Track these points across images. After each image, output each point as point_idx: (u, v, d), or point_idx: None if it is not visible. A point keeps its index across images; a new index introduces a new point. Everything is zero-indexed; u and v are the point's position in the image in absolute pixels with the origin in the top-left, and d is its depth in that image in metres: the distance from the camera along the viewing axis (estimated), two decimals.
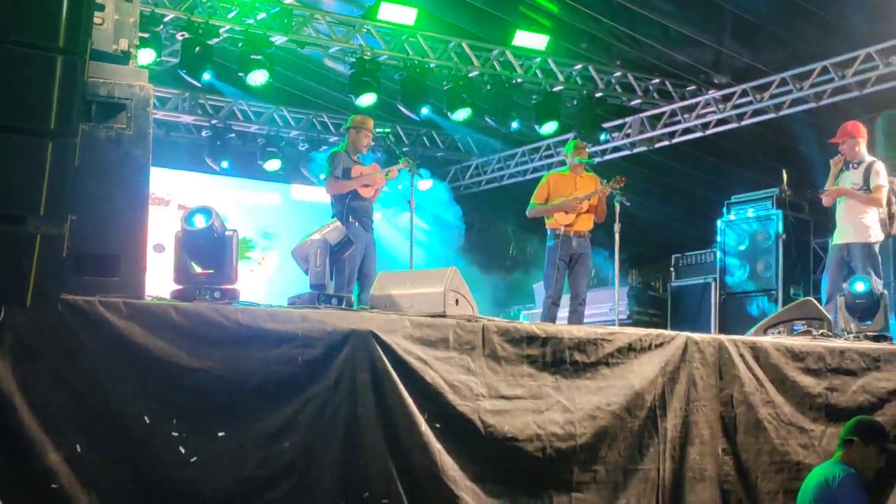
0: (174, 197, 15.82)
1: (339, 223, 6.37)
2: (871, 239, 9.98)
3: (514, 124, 14.81)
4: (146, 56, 11.90)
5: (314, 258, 6.17)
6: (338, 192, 10.38)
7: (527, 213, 11.15)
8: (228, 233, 5.82)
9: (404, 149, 10.49)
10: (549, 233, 10.80)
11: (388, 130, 10.40)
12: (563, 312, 10.94)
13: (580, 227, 10.70)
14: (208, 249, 5.73)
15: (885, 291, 8.98)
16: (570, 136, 15.25)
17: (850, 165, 10.17)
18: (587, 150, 11.60)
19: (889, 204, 10.06)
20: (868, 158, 10.19)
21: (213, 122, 16.14)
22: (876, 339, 8.23)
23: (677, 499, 6.64)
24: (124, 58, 5.51)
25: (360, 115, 11.21)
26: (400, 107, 14.08)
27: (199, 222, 5.73)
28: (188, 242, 5.73)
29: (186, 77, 13.06)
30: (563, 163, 11.93)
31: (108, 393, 4.86)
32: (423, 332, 5.84)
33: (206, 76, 12.96)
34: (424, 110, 14.25)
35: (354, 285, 9.77)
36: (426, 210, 16.07)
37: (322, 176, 10.67)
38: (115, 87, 5.37)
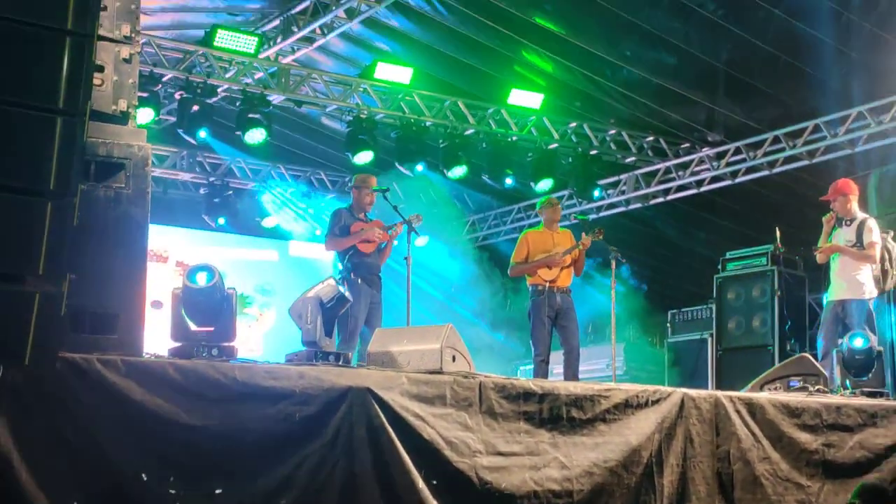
0: (172, 253, 15.88)
1: (332, 280, 6.39)
2: (865, 295, 10.01)
3: (509, 181, 14.90)
4: (145, 115, 12.01)
5: (306, 315, 6.19)
6: (335, 248, 10.40)
7: (508, 272, 11.21)
8: (228, 291, 5.85)
9: (401, 205, 10.47)
10: (531, 290, 10.80)
11: (385, 189, 10.41)
12: (558, 368, 10.93)
13: (562, 282, 10.74)
14: (207, 307, 5.76)
15: (882, 348, 8.98)
16: (566, 192, 15.36)
17: (843, 222, 10.22)
18: (560, 207, 11.74)
19: (882, 260, 10.11)
20: (860, 215, 10.25)
21: (211, 179, 16.23)
22: (872, 395, 8.24)
23: None
24: (123, 118, 5.56)
25: (362, 173, 11.26)
26: (396, 164, 14.19)
27: (202, 280, 5.75)
28: (188, 300, 5.75)
29: (184, 135, 13.17)
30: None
31: (105, 451, 4.85)
32: (420, 389, 5.85)
33: (203, 134, 13.06)
34: (419, 167, 14.36)
35: (357, 342, 9.73)
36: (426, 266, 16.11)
37: (324, 233, 10.67)
38: (114, 147, 5.41)
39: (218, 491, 5.08)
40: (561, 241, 10.89)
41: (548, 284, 10.65)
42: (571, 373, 10.51)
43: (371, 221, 10.43)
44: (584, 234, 10.77)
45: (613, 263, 10.71)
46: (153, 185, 5.68)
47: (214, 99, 13.04)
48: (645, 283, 15.79)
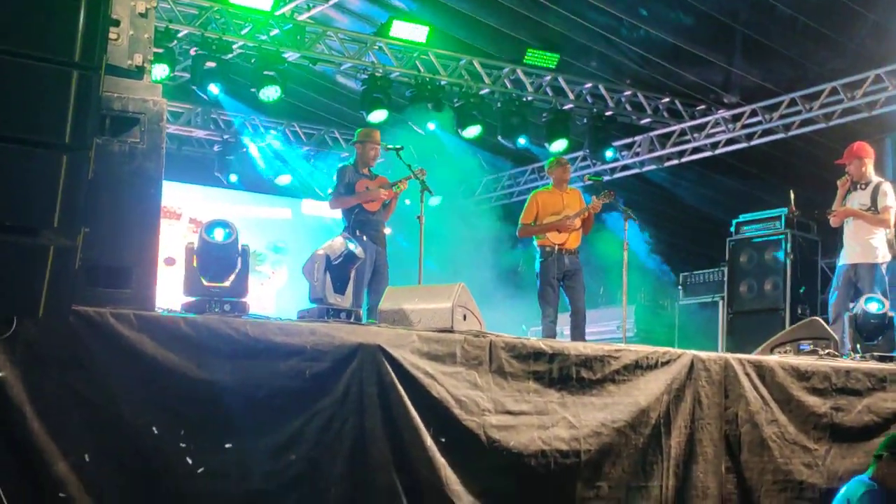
0: (185, 210, 15.92)
1: (341, 238, 6.40)
2: (878, 259, 9.99)
3: (522, 141, 14.86)
4: (160, 71, 11.99)
5: (314, 273, 6.22)
6: (339, 207, 10.42)
7: (517, 232, 11.21)
8: (241, 247, 5.88)
9: (415, 165, 10.44)
10: (539, 251, 10.80)
11: (399, 147, 10.38)
12: (565, 330, 10.96)
13: (571, 244, 10.74)
14: (222, 262, 5.78)
15: (893, 313, 8.96)
16: (580, 153, 15.32)
17: (858, 186, 10.18)
18: (570, 166, 11.71)
19: None
20: (875, 179, 10.21)
21: (225, 136, 16.24)
22: (882, 359, 8.23)
23: None
24: (139, 73, 5.56)
25: (365, 128, 11.25)
26: (409, 123, 14.19)
27: (219, 235, 5.78)
28: (203, 254, 5.78)
29: (198, 92, 13.17)
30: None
31: (117, 404, 4.90)
32: (430, 347, 5.88)
33: (216, 90, 13.04)
34: (431, 126, 14.34)
35: (364, 299, 9.77)
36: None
37: (329, 191, 10.68)
38: (130, 102, 5.42)
39: (228, 445, 5.13)
40: (570, 201, 10.88)
41: (556, 246, 10.66)
42: (579, 334, 10.54)
43: (376, 178, 10.42)
44: (594, 196, 10.76)
45: (626, 224, 10.69)
46: (168, 142, 5.69)
47: (229, 56, 13.00)
48: (657, 244, 15.77)
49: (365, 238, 10.00)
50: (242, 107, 15.11)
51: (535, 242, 10.86)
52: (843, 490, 6.49)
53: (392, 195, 10.30)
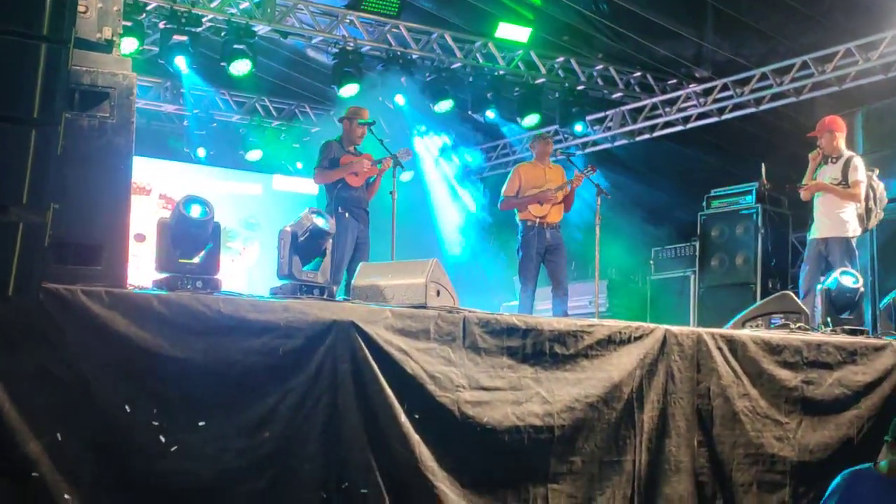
0: (155, 186, 15.79)
1: (307, 212, 6.37)
2: (849, 234, 10.05)
3: (491, 114, 14.86)
4: (129, 45, 11.87)
5: (281, 249, 6.19)
6: (323, 181, 10.37)
7: (499, 205, 11.20)
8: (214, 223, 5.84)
9: (387, 140, 10.43)
10: (520, 225, 10.82)
11: (371, 122, 10.35)
12: (542, 305, 10.97)
13: (553, 218, 10.77)
14: (196, 239, 5.74)
15: (862, 289, 9.01)
16: (552, 128, 15.30)
17: (829, 160, 10.23)
18: (552, 141, 11.71)
19: (867, 199, 10.13)
20: (846, 153, 10.26)
21: (195, 111, 16.10)
22: (853, 332, 8.28)
23: (653, 490, 6.69)
24: (108, 46, 5.49)
25: (354, 105, 11.20)
26: (380, 98, 14.14)
27: (195, 212, 5.74)
28: (178, 230, 5.73)
29: (166, 66, 13.05)
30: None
31: (88, 382, 4.86)
32: (404, 323, 5.87)
33: (183, 64, 12.93)
34: (399, 98, 14.33)
35: (343, 276, 9.74)
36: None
37: (313, 166, 10.62)
38: (99, 76, 5.36)
39: (202, 423, 5.11)
40: (553, 175, 10.90)
41: (538, 220, 10.67)
42: (561, 308, 10.55)
43: (361, 155, 10.37)
44: (575, 170, 10.77)
45: (598, 200, 10.71)
46: (137, 117, 5.63)
47: (199, 29, 12.88)
48: (629, 219, 15.80)
49: (347, 215, 9.97)
50: (212, 81, 14.97)
51: (517, 217, 10.86)
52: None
53: (376, 171, 10.24)
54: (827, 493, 6.15)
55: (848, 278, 8.71)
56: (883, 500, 5.98)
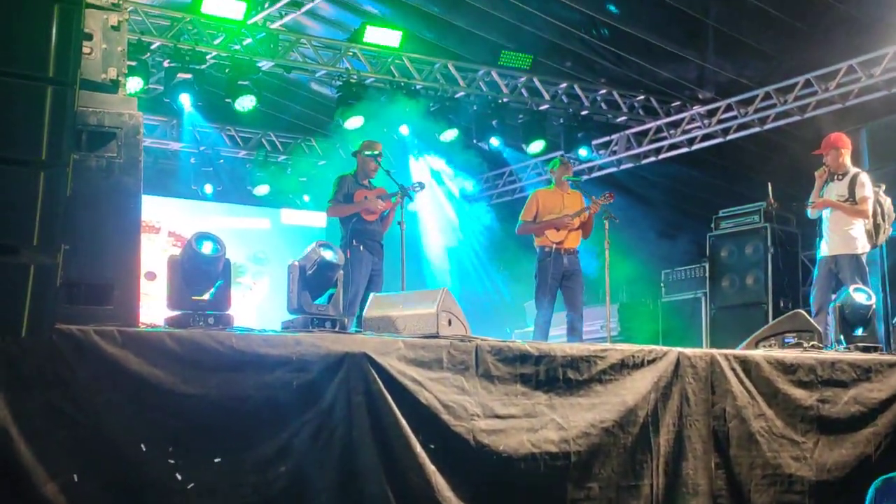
0: (164, 224, 15.84)
1: (315, 245, 6.37)
2: (858, 250, 10.02)
3: (496, 142, 14.90)
4: (134, 84, 11.95)
5: (289, 283, 6.20)
6: (337, 215, 10.43)
7: (516, 230, 11.18)
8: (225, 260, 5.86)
9: (393, 170, 10.49)
10: (538, 251, 10.81)
11: (377, 153, 10.40)
12: (555, 331, 10.95)
13: (570, 244, 10.74)
14: (208, 275, 5.75)
15: (874, 305, 8.97)
16: (557, 154, 15.31)
17: (835, 177, 10.22)
18: (573, 167, 11.68)
19: (875, 215, 10.11)
20: (853, 170, 10.25)
21: (201, 148, 16.16)
22: (866, 349, 8.25)
23: None
24: (113, 86, 5.52)
25: (368, 140, 11.26)
26: (384, 129, 14.19)
27: (207, 248, 5.74)
28: (189, 267, 5.73)
29: (172, 104, 13.11)
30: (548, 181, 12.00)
31: (103, 421, 4.85)
32: (416, 354, 5.86)
33: (186, 101, 12.99)
34: (404, 129, 14.39)
35: (357, 309, 9.75)
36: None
37: (327, 200, 10.66)
38: (105, 116, 5.38)
39: (217, 459, 5.09)
40: (570, 202, 10.89)
41: (555, 246, 10.65)
42: (576, 335, 10.53)
43: (374, 189, 10.42)
44: (593, 197, 10.77)
45: (606, 224, 10.70)
46: (144, 155, 5.65)
47: (203, 66, 12.95)
48: (638, 243, 15.81)
49: (362, 248, 10.03)
50: (217, 118, 15.05)
51: (535, 243, 10.85)
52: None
53: (390, 206, 10.29)
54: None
55: (860, 295, 8.67)
56: None
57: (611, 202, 10.75)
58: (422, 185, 10.54)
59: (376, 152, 10.45)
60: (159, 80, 13.26)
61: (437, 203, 17.39)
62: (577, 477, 6.27)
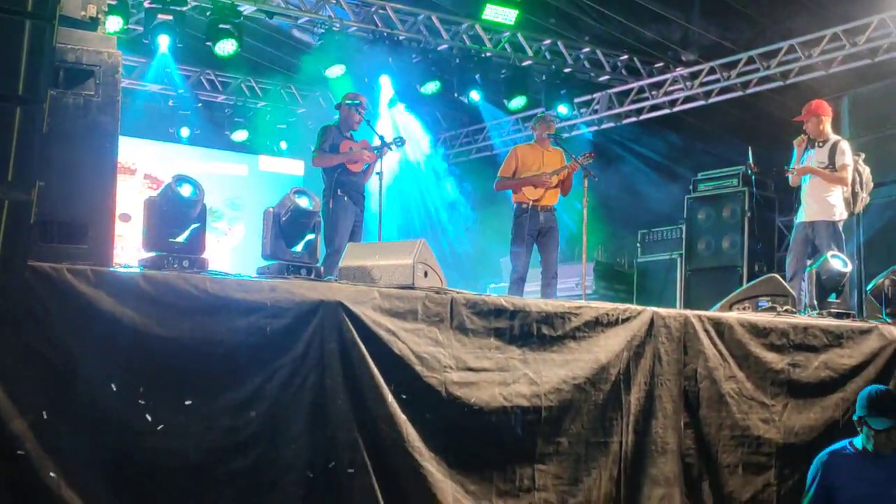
0: (140, 166, 15.74)
1: (290, 193, 6.34)
2: (835, 217, 10.05)
3: (476, 97, 14.82)
4: (113, 24, 11.77)
5: (264, 229, 6.19)
6: (323, 165, 10.43)
7: (494, 185, 11.15)
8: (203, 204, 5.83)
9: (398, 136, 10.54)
10: (515, 207, 10.77)
11: (357, 102, 10.37)
12: (531, 287, 10.96)
13: (548, 201, 10.70)
14: (184, 218, 5.72)
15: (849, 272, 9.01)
16: (538, 110, 15.27)
17: (816, 144, 10.23)
18: (555, 124, 11.63)
19: (853, 183, 10.14)
20: (833, 137, 10.26)
21: (180, 91, 16.02)
22: (839, 316, 8.30)
23: (639, 471, 6.70)
24: (93, 24, 5.45)
25: (352, 92, 11.23)
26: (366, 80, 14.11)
27: (186, 191, 5.73)
28: (167, 209, 5.70)
29: (151, 46, 12.97)
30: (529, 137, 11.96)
31: (74, 360, 4.84)
32: (391, 304, 5.86)
33: (164, 43, 12.85)
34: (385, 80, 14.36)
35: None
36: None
37: (312, 148, 10.66)
38: (84, 54, 5.32)
39: (188, 402, 5.09)
40: (550, 159, 10.83)
41: (532, 203, 10.61)
42: (550, 291, 10.54)
43: (359, 142, 10.46)
44: (573, 155, 10.73)
45: (586, 182, 10.69)
46: (122, 96, 5.59)
47: (184, 8, 12.80)
48: (616, 202, 15.83)
49: (346, 199, 10.09)
50: (197, 61, 14.90)
51: (512, 198, 10.82)
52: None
53: (374, 158, 10.31)
54: (808, 480, 6.21)
55: (837, 262, 8.71)
56: (862, 473, 6.08)
57: (591, 161, 10.72)
58: (402, 141, 10.54)
59: (359, 102, 10.48)
60: (139, 20, 13.11)
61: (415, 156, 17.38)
62: (547, 431, 6.31)
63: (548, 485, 6.29)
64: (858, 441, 6.14)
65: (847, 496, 6.08)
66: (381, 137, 10.25)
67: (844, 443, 6.25)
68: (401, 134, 10.84)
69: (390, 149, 10.23)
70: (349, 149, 10.33)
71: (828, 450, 6.28)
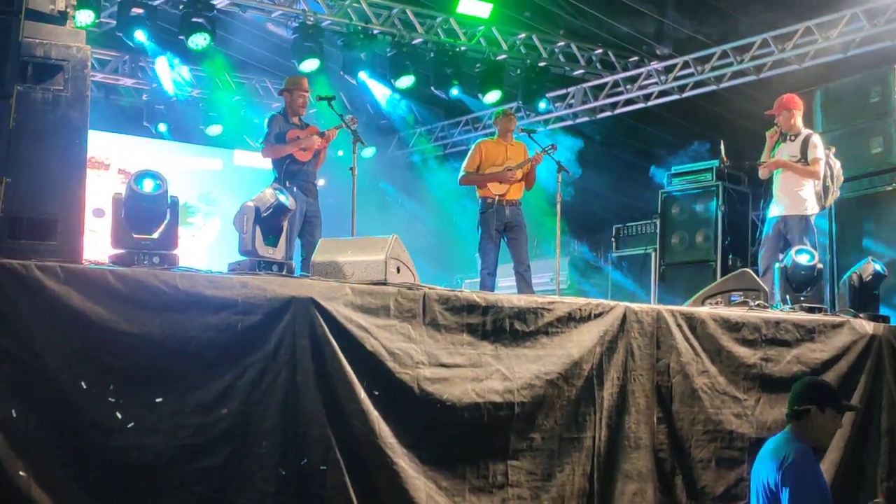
0: (114, 161, 15.63)
1: (271, 189, 6.31)
2: (807, 211, 10.08)
3: (455, 92, 14.79)
4: (85, 17, 11.70)
5: (244, 225, 6.14)
6: (272, 156, 10.21)
7: (458, 180, 11.12)
8: (171, 198, 5.77)
9: (346, 115, 10.32)
10: (480, 203, 10.73)
11: (330, 96, 10.23)
12: (503, 282, 10.94)
13: (513, 195, 10.66)
14: (151, 214, 5.68)
15: (821, 265, 9.04)
16: (514, 104, 15.27)
17: (787, 138, 10.25)
18: (516, 118, 11.64)
19: (824, 177, 10.18)
20: (805, 131, 10.29)
21: (154, 85, 15.93)
22: (811, 310, 8.33)
23: (612, 467, 6.72)
24: (61, 18, 5.41)
25: (293, 76, 11.06)
26: (341, 73, 14.06)
27: (148, 186, 5.67)
28: (132, 205, 5.66)
29: (124, 39, 12.89)
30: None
31: (43, 358, 4.81)
32: (363, 300, 5.84)
33: (142, 37, 12.76)
34: (363, 75, 14.23)
35: (293, 251, 9.63)
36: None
37: (259, 140, 10.50)
38: (52, 48, 5.29)
39: (158, 399, 5.07)
40: (514, 153, 10.81)
41: (497, 197, 10.59)
42: (525, 285, 10.51)
43: (306, 127, 10.28)
44: (535, 149, 10.72)
45: (559, 177, 10.69)
46: (94, 91, 5.55)
47: (157, 2, 12.73)
48: (590, 197, 15.85)
49: (295, 189, 9.83)
50: (170, 55, 14.80)
51: (477, 193, 10.79)
52: (765, 455, 5.89)
53: (324, 144, 10.16)
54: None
55: (803, 256, 8.74)
56: None
57: (553, 153, 10.72)
58: (354, 120, 10.27)
59: (300, 88, 10.30)
60: (112, 14, 13.02)
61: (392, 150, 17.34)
62: (520, 427, 6.31)
63: (521, 480, 6.29)
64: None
65: None
66: (341, 114, 9.98)
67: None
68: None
69: (360, 140, 9.99)
70: (296, 137, 10.10)
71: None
